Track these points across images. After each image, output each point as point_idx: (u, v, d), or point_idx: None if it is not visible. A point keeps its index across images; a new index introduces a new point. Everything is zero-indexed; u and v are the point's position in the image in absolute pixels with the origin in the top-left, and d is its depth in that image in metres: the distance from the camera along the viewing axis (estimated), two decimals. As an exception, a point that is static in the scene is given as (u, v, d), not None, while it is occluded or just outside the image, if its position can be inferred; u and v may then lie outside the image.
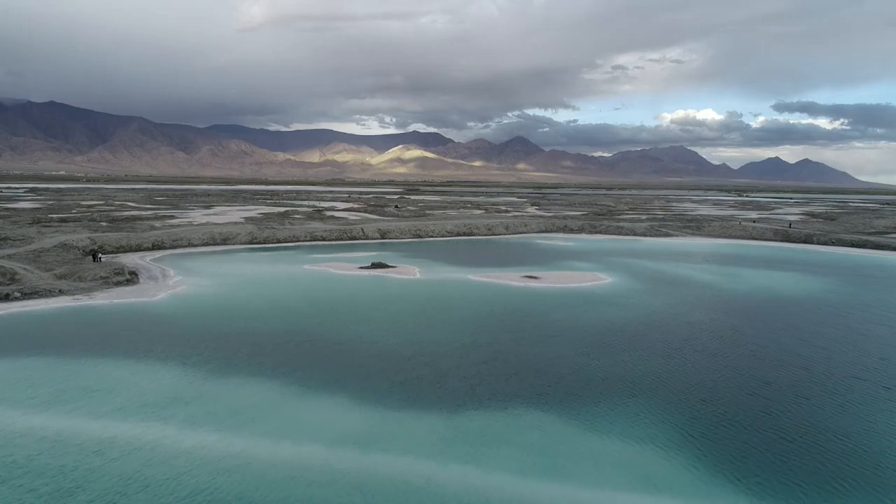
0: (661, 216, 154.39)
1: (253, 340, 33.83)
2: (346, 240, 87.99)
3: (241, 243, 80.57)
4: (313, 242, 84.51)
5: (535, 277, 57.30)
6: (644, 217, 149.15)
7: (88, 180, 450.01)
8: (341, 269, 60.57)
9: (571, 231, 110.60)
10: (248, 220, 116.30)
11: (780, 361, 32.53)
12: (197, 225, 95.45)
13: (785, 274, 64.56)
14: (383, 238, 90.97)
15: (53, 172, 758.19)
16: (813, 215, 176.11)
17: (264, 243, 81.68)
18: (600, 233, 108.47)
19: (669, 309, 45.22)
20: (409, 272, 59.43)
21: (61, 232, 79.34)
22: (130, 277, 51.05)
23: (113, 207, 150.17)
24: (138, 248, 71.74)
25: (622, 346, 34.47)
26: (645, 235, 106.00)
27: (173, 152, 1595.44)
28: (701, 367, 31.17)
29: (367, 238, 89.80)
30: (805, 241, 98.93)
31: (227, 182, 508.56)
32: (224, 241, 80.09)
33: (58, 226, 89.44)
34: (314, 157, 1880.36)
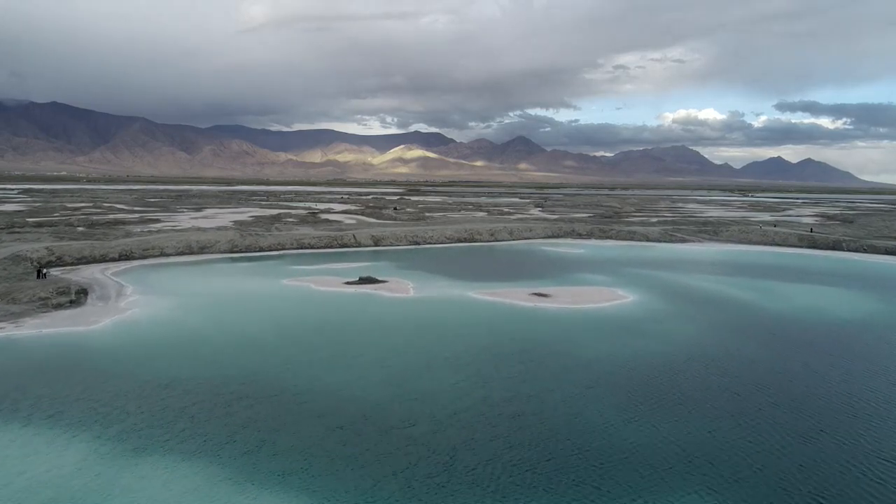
0: (670, 218, 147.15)
1: (200, 394, 26.42)
2: (335, 247, 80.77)
3: (221, 252, 73.42)
4: (300, 250, 77.31)
5: (546, 295, 50.03)
6: (654, 220, 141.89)
7: (89, 181, 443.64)
8: (325, 284, 53.33)
9: (580, 236, 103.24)
10: (237, 223, 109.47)
11: (893, 421, 25.11)
12: (176, 231, 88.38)
13: (829, 289, 57.07)
14: (377, 245, 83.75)
15: (55, 173, 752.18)
16: (827, 217, 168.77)
17: (246, 252, 74.50)
18: (611, 238, 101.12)
19: (714, 339, 37.81)
20: (401, 288, 52.19)
21: (22, 240, 72.35)
22: (76, 298, 43.92)
23: (100, 210, 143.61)
24: (103, 259, 64.63)
25: (674, 400, 26.82)
26: (659, 241, 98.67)
27: (175, 152, 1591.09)
28: (792, 434, 23.52)
29: (359, 245, 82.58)
30: (833, 248, 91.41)
31: (228, 182, 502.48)
32: (201, 250, 72.93)
33: (23, 232, 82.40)
34: (316, 157, 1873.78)
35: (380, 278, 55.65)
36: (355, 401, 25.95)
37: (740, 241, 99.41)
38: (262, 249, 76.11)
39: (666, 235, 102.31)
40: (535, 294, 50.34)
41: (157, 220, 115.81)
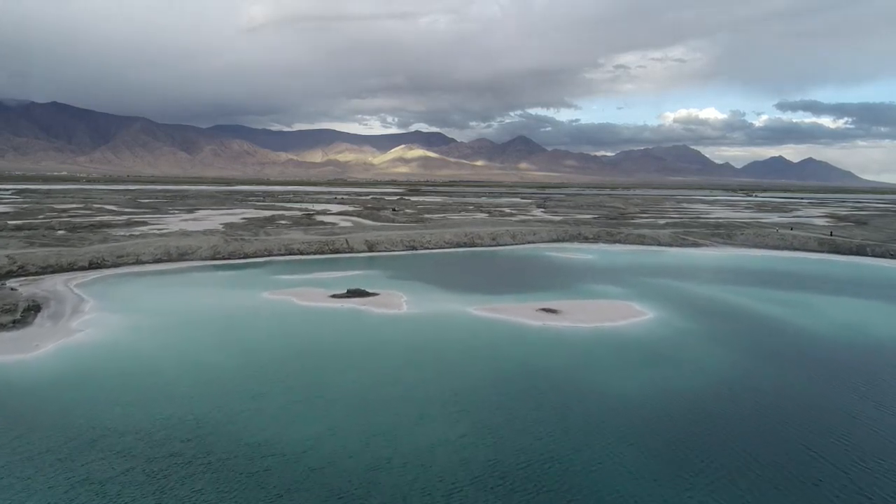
0: (678, 220, 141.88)
1: (134, 456, 20.98)
2: (326, 253, 75.44)
3: (202, 259, 68.12)
4: (288, 257, 71.98)
5: (555, 311, 44.68)
6: (662, 221, 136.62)
7: (89, 181, 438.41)
8: (308, 298, 47.97)
9: (586, 240, 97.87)
10: (226, 226, 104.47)
11: None
12: (158, 236, 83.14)
13: (870, 303, 51.49)
14: (371, 251, 78.38)
15: (55, 173, 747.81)
16: (838, 218, 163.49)
17: (229, 259, 69.19)
18: (619, 242, 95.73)
19: (756, 368, 32.39)
20: (393, 303, 46.84)
21: (-13, 247, 67.13)
22: (22, 317, 38.67)
23: (88, 212, 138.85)
24: (70, 268, 59.35)
25: (730, 460, 21.27)
26: (671, 245, 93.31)
27: (176, 152, 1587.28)
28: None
29: (351, 251, 77.23)
30: (857, 253, 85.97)
31: (228, 182, 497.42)
32: (181, 257, 67.65)
33: (-6, 237, 77.17)
34: (316, 156, 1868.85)
35: (370, 290, 50.30)
36: (328, 469, 20.40)
37: (756, 246, 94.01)
38: (246, 256, 70.81)
39: (677, 239, 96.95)
40: (544, 310, 44.99)
41: (144, 223, 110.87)
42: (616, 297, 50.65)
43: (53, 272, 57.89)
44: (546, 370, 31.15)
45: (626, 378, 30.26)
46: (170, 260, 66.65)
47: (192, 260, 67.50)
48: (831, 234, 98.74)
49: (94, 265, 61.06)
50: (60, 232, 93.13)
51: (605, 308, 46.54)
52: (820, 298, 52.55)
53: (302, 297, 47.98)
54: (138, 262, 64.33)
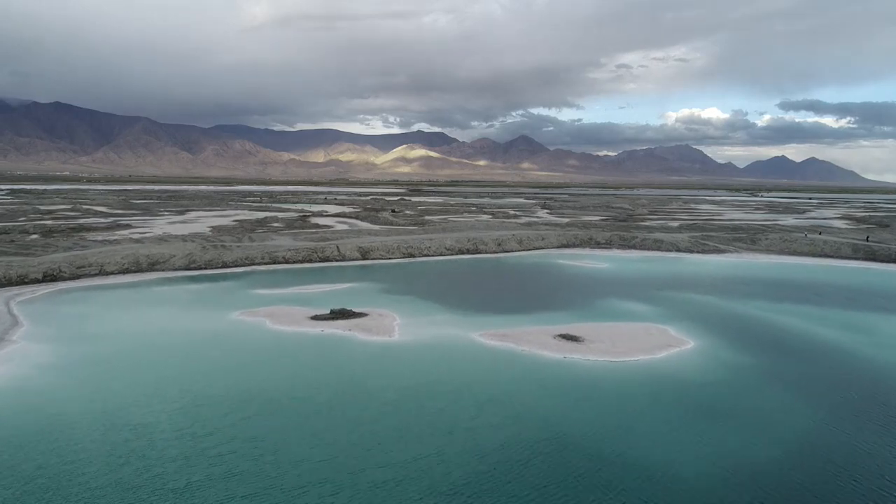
0: (691, 222, 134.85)
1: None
2: (315, 261, 68.25)
3: (175, 268, 61.04)
4: (272, 266, 64.84)
5: (576, 338, 37.45)
6: (675, 224, 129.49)
7: (90, 181, 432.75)
8: (285, 320, 40.77)
9: (598, 245, 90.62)
10: (214, 229, 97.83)
11: None
12: (132, 242, 76.06)
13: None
14: (364, 258, 71.13)
15: (58, 173, 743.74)
16: (856, 220, 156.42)
17: (205, 268, 62.05)
18: (634, 248, 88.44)
19: (841, 426, 25.11)
20: (384, 326, 39.62)
21: (-66, 255, 60.26)
22: (-74, 350, 31.64)
23: (75, 213, 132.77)
24: (21, 281, 52.30)
25: None
26: (691, 251, 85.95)
27: (178, 152, 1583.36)
28: None
29: (343, 259, 70.00)
30: (896, 261, 78.59)
31: (228, 182, 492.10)
32: (151, 267, 60.57)
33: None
34: (318, 156, 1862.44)
35: (357, 310, 43.06)
36: None
37: (783, 252, 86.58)
38: (225, 265, 63.67)
39: (697, 244, 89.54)
40: (562, 336, 37.77)
41: (128, 226, 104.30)
42: (646, 319, 43.36)
43: (0, 286, 50.93)
44: (577, 434, 23.75)
45: (678, 444, 22.93)
46: (139, 270, 59.59)
47: (163, 270, 60.44)
48: (867, 240, 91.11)
49: (48, 277, 53.99)
50: (33, 236, 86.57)
51: (636, 334, 39.25)
52: (882, 318, 45.09)
53: (277, 319, 40.77)
54: (101, 273, 57.27)
